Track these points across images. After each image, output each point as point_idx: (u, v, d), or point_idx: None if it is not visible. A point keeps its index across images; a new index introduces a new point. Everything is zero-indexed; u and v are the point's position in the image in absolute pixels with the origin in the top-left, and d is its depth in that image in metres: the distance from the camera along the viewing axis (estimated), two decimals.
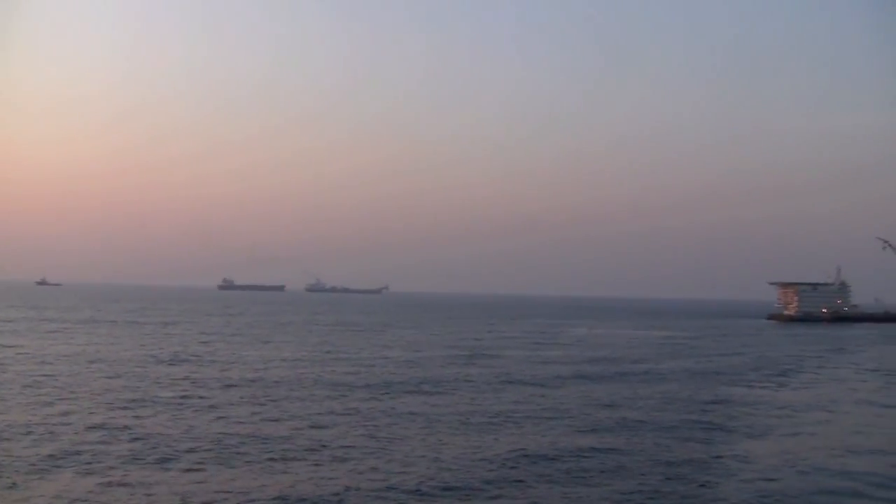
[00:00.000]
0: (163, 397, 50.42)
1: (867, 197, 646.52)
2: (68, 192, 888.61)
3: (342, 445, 37.21)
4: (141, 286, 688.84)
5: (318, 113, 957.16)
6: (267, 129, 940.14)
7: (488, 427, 42.91)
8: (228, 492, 29.01)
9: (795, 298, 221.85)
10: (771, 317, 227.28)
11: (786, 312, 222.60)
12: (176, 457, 34.11)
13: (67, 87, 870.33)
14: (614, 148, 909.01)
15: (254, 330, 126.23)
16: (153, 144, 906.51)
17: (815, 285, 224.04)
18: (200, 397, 50.86)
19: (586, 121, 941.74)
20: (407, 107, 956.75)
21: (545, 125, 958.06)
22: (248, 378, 61.21)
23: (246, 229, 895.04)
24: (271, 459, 34.20)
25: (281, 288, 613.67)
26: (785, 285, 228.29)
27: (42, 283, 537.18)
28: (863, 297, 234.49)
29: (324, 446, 36.93)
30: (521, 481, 31.54)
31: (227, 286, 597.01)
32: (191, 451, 35.25)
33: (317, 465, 33.54)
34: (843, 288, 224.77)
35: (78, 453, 34.13)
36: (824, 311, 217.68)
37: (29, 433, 37.90)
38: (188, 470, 32.00)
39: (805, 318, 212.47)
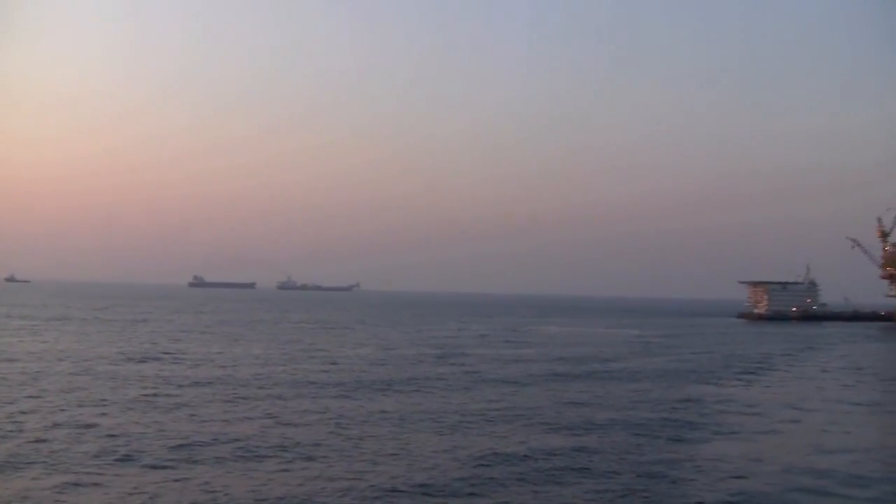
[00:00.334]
0: (132, 395, 49.98)
1: (840, 199, 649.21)
2: (37, 190, 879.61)
3: (313, 444, 36.99)
4: (111, 283, 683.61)
5: (302, 117, 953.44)
6: (243, 132, 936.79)
7: (460, 426, 42.81)
8: (197, 491, 28.74)
9: (765, 297, 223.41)
10: (741, 315, 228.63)
11: (756, 311, 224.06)
12: (144, 455, 33.76)
13: (61, 87, 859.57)
14: (595, 152, 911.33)
15: (224, 327, 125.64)
16: (134, 146, 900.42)
17: (784, 284, 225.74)
18: (170, 395, 50.47)
19: (563, 128, 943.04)
20: (398, 109, 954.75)
21: (525, 132, 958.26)
22: (218, 376, 60.86)
23: (217, 227, 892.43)
24: (242, 458, 33.93)
25: (252, 285, 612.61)
26: (755, 284, 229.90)
27: (10, 279, 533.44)
28: (832, 296, 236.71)
29: (295, 445, 36.70)
30: (493, 479, 31.39)
31: (198, 283, 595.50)
32: (160, 449, 34.92)
33: (288, 463, 33.31)
34: (812, 287, 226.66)
35: (43, 451, 33.74)
36: (794, 309, 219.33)
37: None
38: (157, 468, 31.72)
39: (775, 317, 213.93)
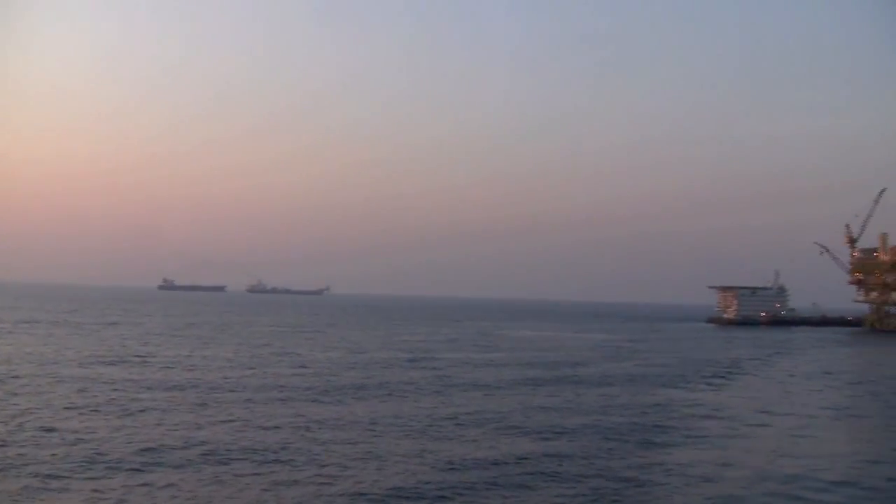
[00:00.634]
0: (100, 398, 49.54)
1: (809, 205, 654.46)
2: (4, 191, 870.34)
3: (283, 448, 36.83)
4: (80, 285, 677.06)
5: (278, 121, 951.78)
6: (215, 136, 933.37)
7: (430, 430, 42.77)
8: (165, 495, 28.54)
9: (734, 302, 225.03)
10: (710, 320, 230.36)
11: (725, 316, 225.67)
12: (111, 459, 33.44)
13: (30, 87, 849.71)
14: (565, 159, 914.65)
15: (194, 330, 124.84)
16: (105, 149, 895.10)
17: (753, 289, 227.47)
18: (139, 399, 50.05)
19: (537, 135, 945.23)
20: (380, 114, 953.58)
21: (501, 139, 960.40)
22: (188, 379, 60.48)
23: (187, 230, 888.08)
24: (211, 462, 33.72)
25: (222, 289, 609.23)
26: (724, 289, 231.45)
27: None
28: (800, 301, 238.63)
29: (265, 448, 36.52)
30: (463, 484, 31.38)
31: (168, 286, 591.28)
32: (127, 453, 34.61)
33: (258, 467, 33.13)
34: (781, 292, 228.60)
35: (9, 454, 33.33)
36: (763, 314, 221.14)
37: None
38: (123, 472, 31.44)
39: (744, 322, 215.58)
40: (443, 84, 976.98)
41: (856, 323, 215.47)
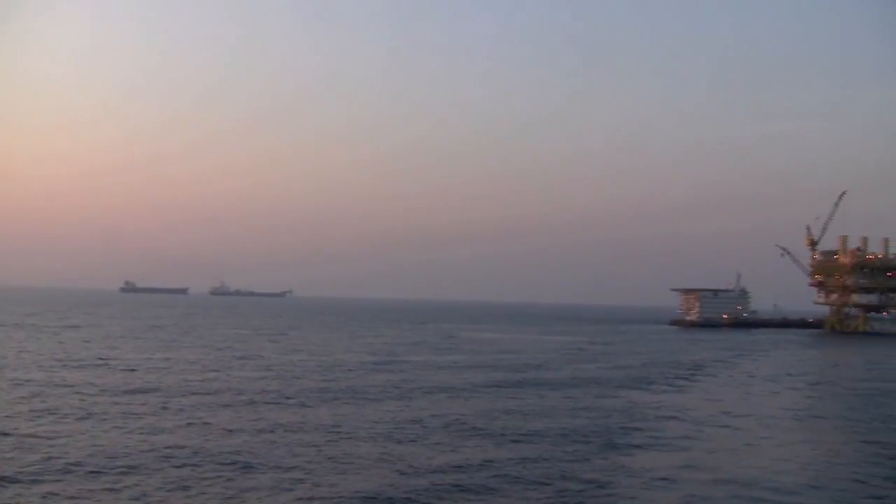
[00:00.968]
0: (60, 402, 48.88)
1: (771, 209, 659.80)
2: None
3: (247, 452, 36.51)
4: (40, 287, 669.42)
5: (246, 126, 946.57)
6: (180, 141, 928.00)
7: (393, 434, 42.55)
8: (127, 500, 28.21)
9: (697, 304, 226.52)
10: (673, 322, 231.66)
11: (687, 318, 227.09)
12: (71, 464, 32.99)
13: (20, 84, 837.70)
14: (532, 164, 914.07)
15: (157, 333, 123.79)
16: (70, 154, 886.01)
17: (716, 292, 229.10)
18: (100, 403, 49.47)
19: (502, 141, 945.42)
20: (363, 117, 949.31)
21: (465, 145, 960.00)
22: (150, 383, 59.85)
23: (149, 232, 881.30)
24: (174, 466, 33.40)
25: (184, 291, 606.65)
26: (687, 291, 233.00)
27: None
28: (762, 303, 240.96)
29: (227, 453, 36.14)
30: (426, 488, 31.29)
31: (130, 289, 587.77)
32: (87, 458, 34.16)
33: (219, 472, 32.79)
34: (743, 294, 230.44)
35: None
36: (725, 316, 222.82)
37: None
38: (85, 476, 31.04)
39: (706, 324, 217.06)
40: (420, 84, 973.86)
41: (816, 325, 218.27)
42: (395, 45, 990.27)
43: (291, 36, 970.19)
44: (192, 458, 35.07)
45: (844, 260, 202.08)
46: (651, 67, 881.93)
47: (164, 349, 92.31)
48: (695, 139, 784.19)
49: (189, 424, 43.19)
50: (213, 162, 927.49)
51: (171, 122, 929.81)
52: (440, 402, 54.99)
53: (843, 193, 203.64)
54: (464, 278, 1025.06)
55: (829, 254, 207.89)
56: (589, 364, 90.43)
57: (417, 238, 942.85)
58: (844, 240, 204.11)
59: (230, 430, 41.74)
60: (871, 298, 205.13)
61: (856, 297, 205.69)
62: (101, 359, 77.26)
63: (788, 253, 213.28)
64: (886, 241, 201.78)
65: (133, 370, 68.29)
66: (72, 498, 28.43)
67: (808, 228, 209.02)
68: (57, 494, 28.68)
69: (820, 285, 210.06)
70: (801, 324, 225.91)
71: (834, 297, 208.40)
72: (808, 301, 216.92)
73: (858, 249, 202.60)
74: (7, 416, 43.53)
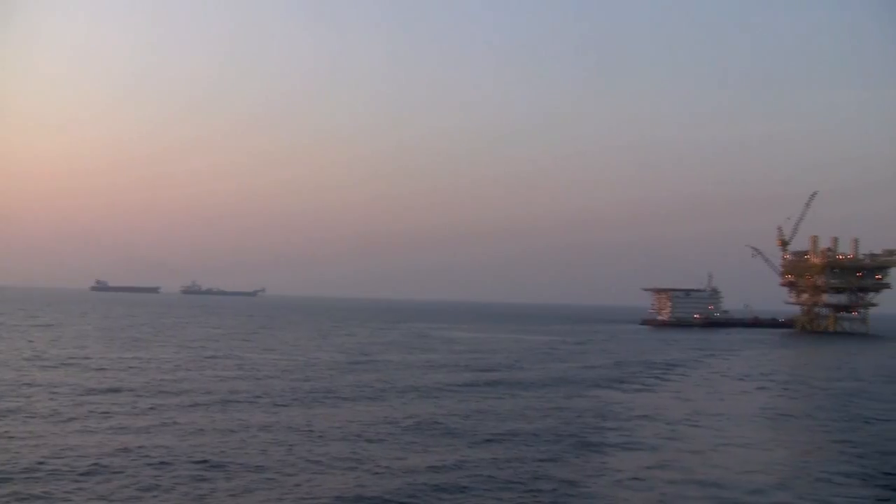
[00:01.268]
0: (30, 402, 48.39)
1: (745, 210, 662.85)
2: None
3: (219, 453, 36.26)
4: (8, 286, 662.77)
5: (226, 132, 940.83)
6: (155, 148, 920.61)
7: (366, 433, 42.45)
8: (99, 502, 27.94)
9: (669, 304, 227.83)
10: (645, 322, 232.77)
11: (659, 318, 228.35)
12: (40, 465, 32.67)
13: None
14: (512, 166, 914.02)
15: (129, 333, 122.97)
16: (44, 157, 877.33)
17: (687, 291, 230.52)
18: (72, 403, 49.00)
19: (484, 147, 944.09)
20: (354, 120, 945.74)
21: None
22: (122, 383, 59.39)
23: (120, 231, 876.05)
24: (149, 466, 33.21)
25: (156, 290, 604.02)
26: (659, 291, 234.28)
27: None
28: (733, 303, 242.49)
29: (202, 454, 35.89)
30: (400, 489, 31.20)
31: (100, 288, 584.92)
32: (57, 459, 33.83)
33: (194, 472, 32.59)
34: (714, 294, 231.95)
35: None
36: (696, 316, 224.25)
37: None
38: (56, 477, 30.73)
39: (678, 324, 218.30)
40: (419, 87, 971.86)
41: (787, 324, 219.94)
42: (395, 46, 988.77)
43: (290, 36, 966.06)
44: (163, 457, 34.83)
45: (815, 260, 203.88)
46: (636, 67, 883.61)
47: (134, 348, 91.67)
48: (670, 141, 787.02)
49: (160, 424, 42.89)
50: (209, 161, 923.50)
51: (169, 122, 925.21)
52: (412, 402, 54.91)
53: (815, 193, 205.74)
54: (436, 279, 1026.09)
55: (800, 254, 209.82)
56: (561, 363, 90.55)
57: (400, 240, 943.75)
58: (815, 240, 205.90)
59: (201, 430, 41.51)
60: (841, 298, 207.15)
61: (826, 297, 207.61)
62: (71, 358, 76.62)
63: (760, 253, 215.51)
64: (856, 241, 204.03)
65: (103, 369, 67.80)
66: (39, 498, 28.16)
67: (780, 229, 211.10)
68: (24, 494, 28.39)
69: (791, 285, 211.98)
70: (772, 323, 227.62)
71: (805, 296, 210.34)
72: (779, 301, 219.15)
73: (829, 250, 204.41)
74: None
